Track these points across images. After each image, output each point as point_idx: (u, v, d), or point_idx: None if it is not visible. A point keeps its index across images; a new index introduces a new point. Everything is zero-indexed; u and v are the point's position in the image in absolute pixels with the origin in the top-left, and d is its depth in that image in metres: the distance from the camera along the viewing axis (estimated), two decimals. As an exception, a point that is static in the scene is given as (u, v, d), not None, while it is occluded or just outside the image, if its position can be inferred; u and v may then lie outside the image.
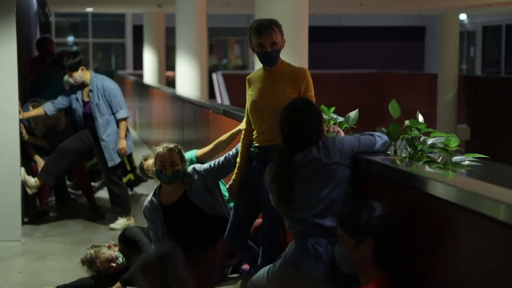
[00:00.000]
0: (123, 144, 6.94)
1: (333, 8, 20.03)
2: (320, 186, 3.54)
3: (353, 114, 4.18)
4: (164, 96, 11.23)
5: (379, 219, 3.13)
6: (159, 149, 4.83)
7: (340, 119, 4.23)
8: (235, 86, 17.51)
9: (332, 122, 4.20)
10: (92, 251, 5.21)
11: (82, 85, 6.98)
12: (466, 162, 3.61)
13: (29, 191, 6.87)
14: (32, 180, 6.86)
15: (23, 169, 6.79)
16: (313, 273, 3.45)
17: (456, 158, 3.62)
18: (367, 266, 3.15)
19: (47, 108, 7.06)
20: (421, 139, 3.74)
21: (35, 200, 7.38)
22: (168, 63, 17.55)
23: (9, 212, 6.52)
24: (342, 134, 4.00)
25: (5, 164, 6.53)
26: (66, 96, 7.08)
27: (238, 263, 5.30)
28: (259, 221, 4.66)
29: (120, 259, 5.21)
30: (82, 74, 6.89)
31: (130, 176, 8.47)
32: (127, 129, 7.11)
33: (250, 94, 4.32)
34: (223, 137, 5.15)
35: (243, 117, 4.49)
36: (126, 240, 5.29)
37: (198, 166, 4.88)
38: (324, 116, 4.13)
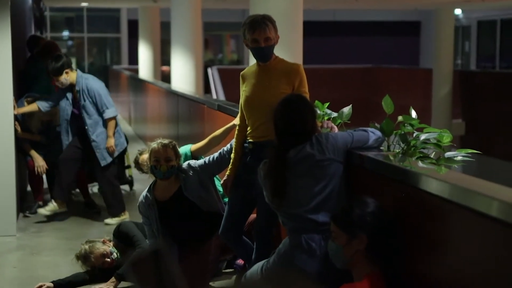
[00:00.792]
0: (110, 142, 6.93)
1: (328, 4, 20.00)
2: (313, 182, 3.55)
3: (346, 109, 4.19)
4: (159, 91, 11.21)
5: (372, 215, 3.15)
6: (154, 145, 4.82)
7: (334, 114, 4.24)
8: (231, 81, 17.47)
9: (326, 118, 4.21)
10: (87, 246, 5.22)
11: (71, 85, 6.97)
12: (459, 158, 3.62)
13: (47, 213, 6.92)
14: (52, 205, 6.92)
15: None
16: (306, 269, 3.47)
17: (448, 154, 3.63)
18: (360, 261, 3.17)
19: (41, 104, 7.05)
20: (414, 135, 3.76)
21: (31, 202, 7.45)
22: (163, 57, 17.51)
23: (4, 207, 6.53)
24: (336, 130, 4.01)
25: (0, 159, 6.53)
26: (60, 93, 7.07)
27: (232, 258, 5.32)
28: (253, 216, 4.67)
29: (114, 254, 5.22)
30: (68, 77, 6.83)
31: (130, 172, 8.46)
32: (118, 126, 7.10)
33: (244, 90, 4.32)
34: (218, 132, 5.16)
35: (238, 112, 4.49)
36: (121, 235, 5.29)
37: (193, 162, 4.88)
38: (318, 112, 4.15)
